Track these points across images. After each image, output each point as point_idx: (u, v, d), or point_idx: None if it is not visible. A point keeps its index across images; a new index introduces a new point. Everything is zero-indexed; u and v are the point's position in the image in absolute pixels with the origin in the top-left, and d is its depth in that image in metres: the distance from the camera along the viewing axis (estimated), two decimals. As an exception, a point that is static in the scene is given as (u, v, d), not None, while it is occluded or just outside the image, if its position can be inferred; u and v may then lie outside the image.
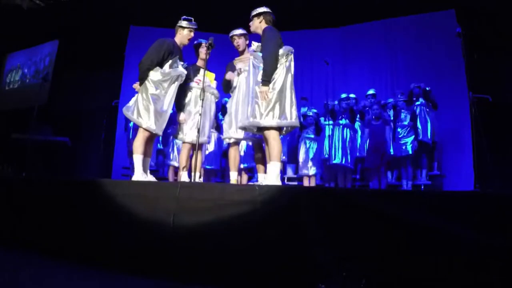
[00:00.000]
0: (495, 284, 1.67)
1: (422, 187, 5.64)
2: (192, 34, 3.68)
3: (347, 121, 5.88)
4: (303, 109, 6.33)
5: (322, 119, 6.17)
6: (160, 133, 3.58)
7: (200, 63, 4.00)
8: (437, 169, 5.96)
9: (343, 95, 6.15)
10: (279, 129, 3.11)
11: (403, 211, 1.94)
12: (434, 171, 5.93)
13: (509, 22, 5.61)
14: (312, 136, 5.88)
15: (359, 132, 6.17)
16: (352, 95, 6.30)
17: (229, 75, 3.73)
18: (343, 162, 5.71)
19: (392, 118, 5.83)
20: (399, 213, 1.94)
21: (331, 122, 5.92)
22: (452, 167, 5.99)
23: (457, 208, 1.87)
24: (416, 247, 1.85)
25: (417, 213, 1.92)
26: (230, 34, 3.79)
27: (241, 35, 3.74)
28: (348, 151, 5.77)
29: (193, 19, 3.68)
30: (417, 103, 5.75)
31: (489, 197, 1.93)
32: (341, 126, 5.88)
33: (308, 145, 5.83)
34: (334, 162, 5.74)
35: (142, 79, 3.48)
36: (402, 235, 1.90)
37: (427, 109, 5.72)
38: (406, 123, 5.64)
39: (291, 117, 3.06)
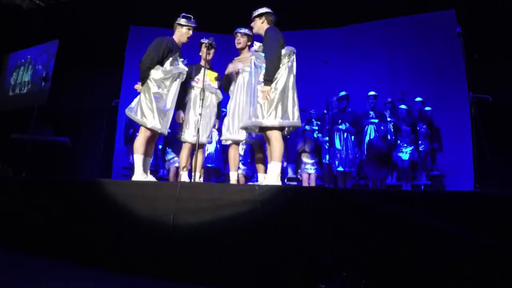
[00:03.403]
0: (495, 284, 1.67)
1: (422, 187, 5.64)
2: (190, 32, 3.66)
3: (347, 124, 5.84)
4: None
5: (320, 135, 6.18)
6: (165, 132, 3.57)
7: (203, 62, 4.00)
8: (437, 169, 5.97)
9: (342, 93, 6.11)
10: (281, 129, 3.12)
11: (403, 211, 1.94)
12: (434, 171, 5.93)
13: (509, 22, 5.61)
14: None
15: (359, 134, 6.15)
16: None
17: (230, 68, 3.71)
18: (343, 168, 5.70)
19: (389, 119, 5.83)
20: (399, 213, 1.94)
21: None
22: (452, 167, 5.99)
23: (457, 208, 1.88)
24: (416, 247, 1.85)
25: (417, 213, 1.92)
26: (236, 31, 3.80)
27: (245, 34, 3.74)
28: (349, 156, 5.75)
29: (192, 17, 3.67)
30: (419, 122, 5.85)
31: (489, 197, 1.93)
32: (341, 131, 5.85)
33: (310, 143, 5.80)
34: (333, 168, 5.73)
35: (144, 78, 3.48)
36: (402, 235, 1.90)
37: (428, 131, 5.83)
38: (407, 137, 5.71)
39: (293, 117, 3.07)
